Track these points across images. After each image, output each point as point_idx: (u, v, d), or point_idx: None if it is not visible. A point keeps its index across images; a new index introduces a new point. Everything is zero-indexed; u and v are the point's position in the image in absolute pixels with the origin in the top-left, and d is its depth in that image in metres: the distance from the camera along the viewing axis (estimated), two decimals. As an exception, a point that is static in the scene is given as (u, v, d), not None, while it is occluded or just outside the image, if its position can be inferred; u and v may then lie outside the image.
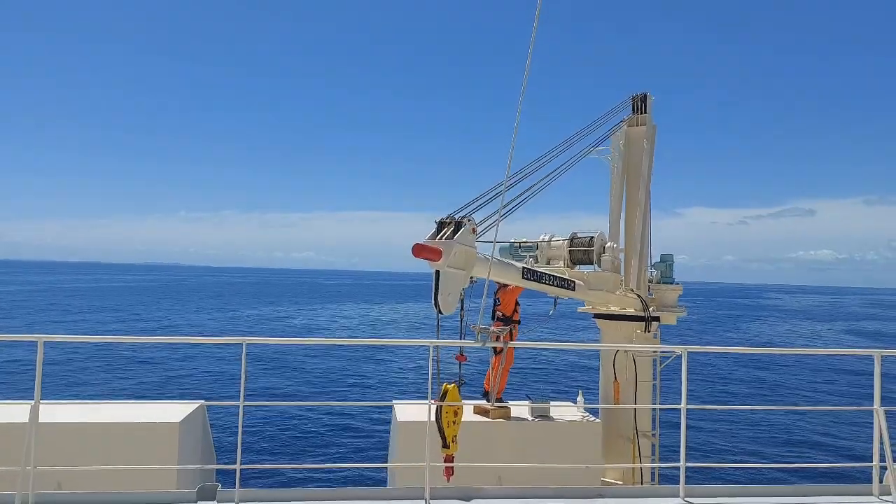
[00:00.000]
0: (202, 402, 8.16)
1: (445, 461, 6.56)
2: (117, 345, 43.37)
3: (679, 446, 5.66)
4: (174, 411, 7.68)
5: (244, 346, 5.33)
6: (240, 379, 5.34)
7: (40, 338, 5.03)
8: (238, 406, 5.17)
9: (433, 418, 6.60)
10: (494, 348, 9.46)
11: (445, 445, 6.58)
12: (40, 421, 4.92)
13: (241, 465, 5.19)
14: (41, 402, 4.95)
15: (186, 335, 52.19)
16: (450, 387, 6.74)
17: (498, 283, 9.24)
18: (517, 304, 9.98)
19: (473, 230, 6.69)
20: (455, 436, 6.64)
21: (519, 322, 10.00)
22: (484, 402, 9.47)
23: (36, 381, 4.84)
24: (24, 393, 25.47)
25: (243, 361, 5.27)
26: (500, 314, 9.84)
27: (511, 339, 9.14)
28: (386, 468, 10.49)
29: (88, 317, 68.89)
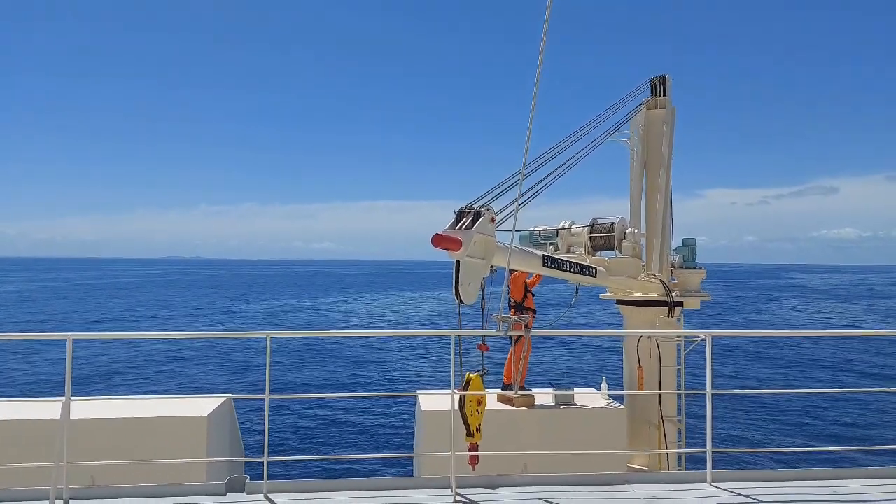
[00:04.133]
0: (229, 395, 8.24)
1: (470, 450, 6.59)
2: (145, 341, 44.11)
3: (705, 431, 5.61)
4: (202, 405, 7.77)
5: (268, 340, 5.36)
6: (265, 372, 5.33)
7: (69, 336, 5.11)
8: (264, 399, 5.23)
9: (457, 408, 6.61)
10: (511, 338, 9.42)
11: (470, 434, 6.57)
12: (72, 417, 5.01)
13: (268, 457, 5.24)
14: (72, 398, 5.04)
15: (211, 330, 52.93)
16: (473, 376, 6.73)
17: (511, 271, 9.24)
18: (528, 291, 9.97)
19: (492, 219, 6.77)
20: (479, 424, 6.64)
21: (534, 311, 9.99)
22: (508, 391, 9.45)
23: (66, 378, 4.93)
24: (55, 389, 26.04)
25: (268, 355, 5.29)
26: (513, 301, 9.85)
27: (529, 326, 9.04)
28: (412, 458, 10.56)
29: (114, 313, 70.07)
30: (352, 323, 61.67)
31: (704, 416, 5.66)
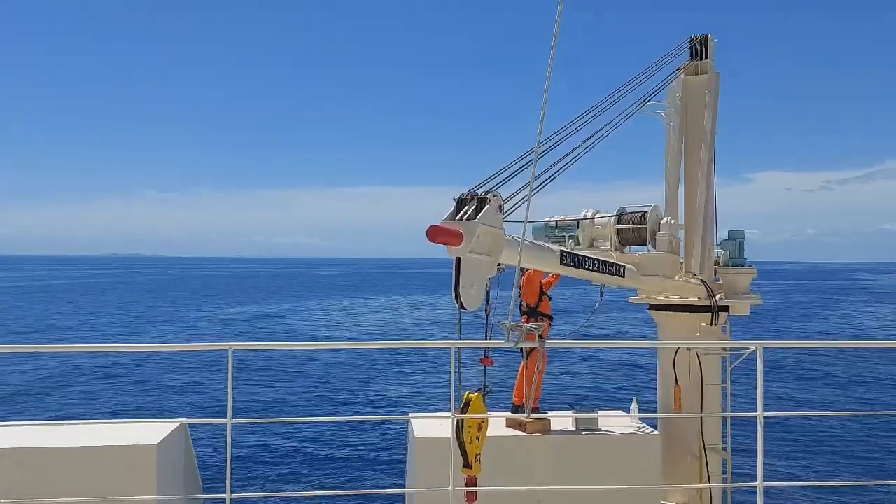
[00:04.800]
0: (183, 420, 8.23)
1: (467, 484, 6.63)
2: (77, 355, 43.97)
3: (756, 462, 5.64)
4: (150, 432, 7.75)
5: (230, 354, 5.38)
6: (226, 392, 5.38)
7: None
8: (225, 424, 5.25)
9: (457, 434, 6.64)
10: (523, 351, 9.44)
11: (467, 465, 6.62)
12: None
13: (230, 494, 5.27)
14: None
15: (160, 342, 52.86)
16: (473, 396, 6.77)
17: (523, 270, 9.16)
18: (543, 293, 9.98)
19: (500, 207, 6.59)
20: (479, 454, 6.69)
21: (551, 318, 9.99)
22: (518, 414, 9.48)
23: None
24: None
25: (230, 371, 5.34)
26: (525, 306, 9.85)
27: (544, 336, 9.00)
28: (403, 494, 10.61)
29: (33, 322, 69.90)
30: (329, 333, 61.75)
31: (755, 444, 5.69)
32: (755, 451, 5.66)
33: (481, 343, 7.51)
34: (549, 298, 10.21)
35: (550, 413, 9.55)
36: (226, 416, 5.32)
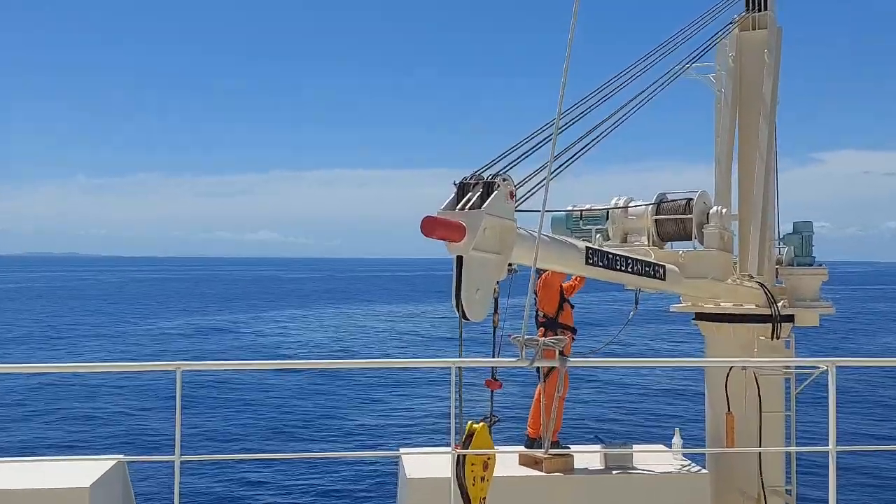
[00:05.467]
0: (121, 457, 8.24)
1: (469, 535, 6.72)
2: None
3: (827, 505, 5.63)
4: (81, 472, 7.75)
5: (178, 375, 5.45)
6: (173, 422, 5.54)
7: None
8: (172, 462, 5.30)
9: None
10: (540, 371, 9.46)
11: (469, 512, 6.68)
12: None
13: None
14: None
15: (91, 361, 52.69)
16: (477, 426, 6.84)
17: (539, 272, 9.23)
18: (565, 300, 10.02)
19: (511, 194, 6.60)
20: (484, 498, 6.73)
21: (574, 330, 9.98)
22: (534, 448, 9.50)
23: None
24: None
25: (178, 396, 5.45)
26: (542, 315, 9.90)
27: (566, 353, 9.06)
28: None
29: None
30: (300, 350, 61.10)
31: (825, 485, 5.67)
32: (826, 493, 5.65)
33: (488, 361, 7.62)
34: (572, 306, 10.23)
35: (573, 448, 9.57)
36: (172, 453, 5.39)
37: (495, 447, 7.01)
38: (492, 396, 8.14)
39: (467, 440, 6.78)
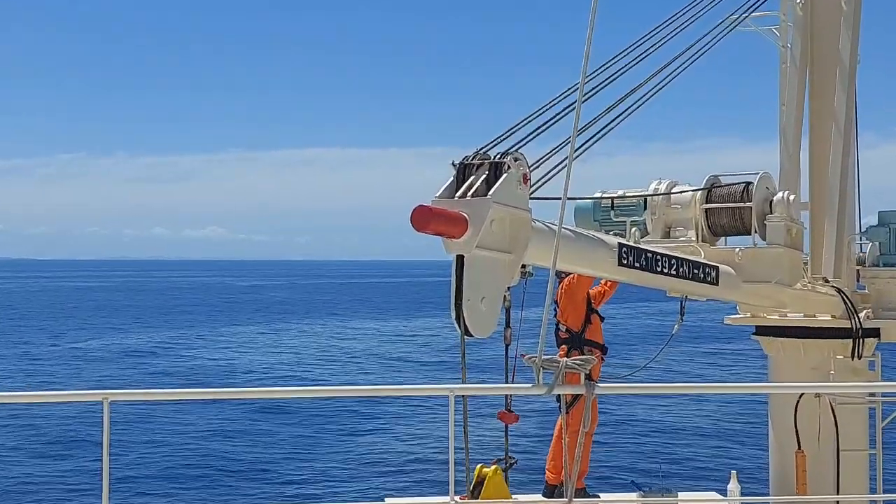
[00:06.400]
0: None
1: None
2: None
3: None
4: None
5: (106, 405, 5.41)
6: (99, 460, 5.51)
7: None
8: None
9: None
10: (562, 400, 9.31)
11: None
12: None
13: None
14: None
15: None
16: (488, 471, 6.97)
17: (561, 275, 9.34)
18: (592, 310, 10.11)
19: (525, 178, 6.13)
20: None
21: (604, 349, 9.99)
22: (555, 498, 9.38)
23: None
24: None
25: (105, 431, 5.34)
26: (565, 330, 9.96)
27: (594, 378, 8.65)
28: None
29: None
30: (257, 377, 59.00)
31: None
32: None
33: (495, 388, 7.54)
34: (602, 319, 10.25)
35: (604, 496, 9.70)
36: (100, 497, 5.35)
37: (512, 496, 6.80)
38: (506, 432, 7.99)
39: (476, 488, 6.77)
